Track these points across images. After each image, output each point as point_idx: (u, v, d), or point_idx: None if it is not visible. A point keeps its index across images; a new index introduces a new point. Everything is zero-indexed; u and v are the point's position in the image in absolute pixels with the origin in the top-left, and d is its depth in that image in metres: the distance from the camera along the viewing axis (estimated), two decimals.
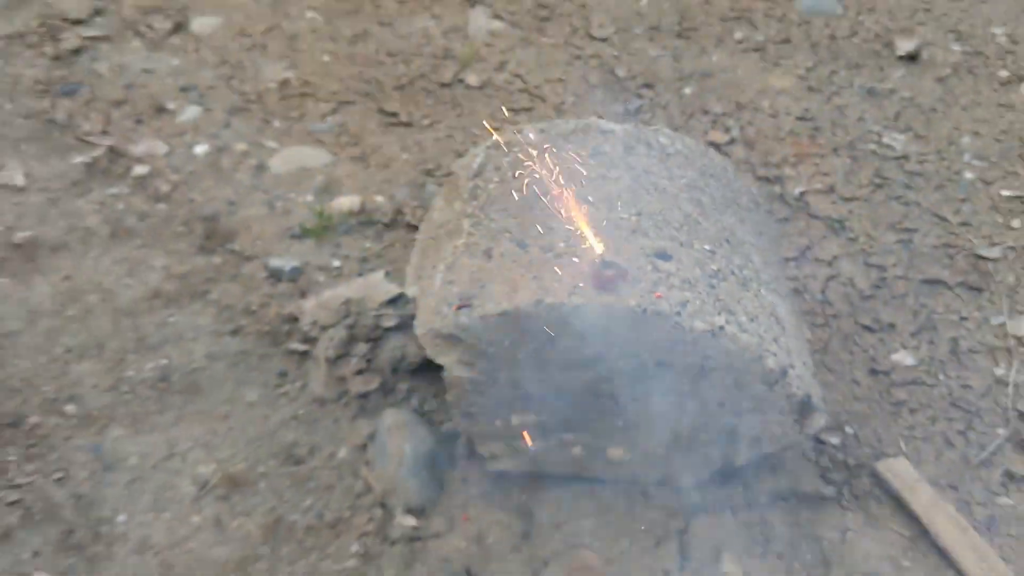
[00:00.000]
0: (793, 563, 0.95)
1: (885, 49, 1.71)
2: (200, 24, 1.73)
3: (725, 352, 0.86)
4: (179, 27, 1.72)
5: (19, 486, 0.99)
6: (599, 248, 0.86)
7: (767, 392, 0.89)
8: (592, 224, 0.88)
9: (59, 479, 1.00)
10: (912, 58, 1.68)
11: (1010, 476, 1.03)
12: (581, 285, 0.84)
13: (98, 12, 1.76)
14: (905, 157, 1.46)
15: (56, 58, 1.63)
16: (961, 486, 1.02)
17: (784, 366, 0.88)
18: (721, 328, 0.85)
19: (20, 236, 1.27)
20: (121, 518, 0.97)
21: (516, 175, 0.97)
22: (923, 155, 1.47)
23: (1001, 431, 1.07)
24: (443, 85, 1.60)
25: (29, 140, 1.45)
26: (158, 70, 1.60)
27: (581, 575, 0.93)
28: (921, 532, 0.97)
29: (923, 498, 0.99)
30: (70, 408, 1.07)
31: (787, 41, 1.72)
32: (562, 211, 0.90)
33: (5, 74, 1.59)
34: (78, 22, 1.74)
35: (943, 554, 0.96)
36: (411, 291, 0.98)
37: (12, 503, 0.97)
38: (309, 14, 1.76)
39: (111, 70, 1.60)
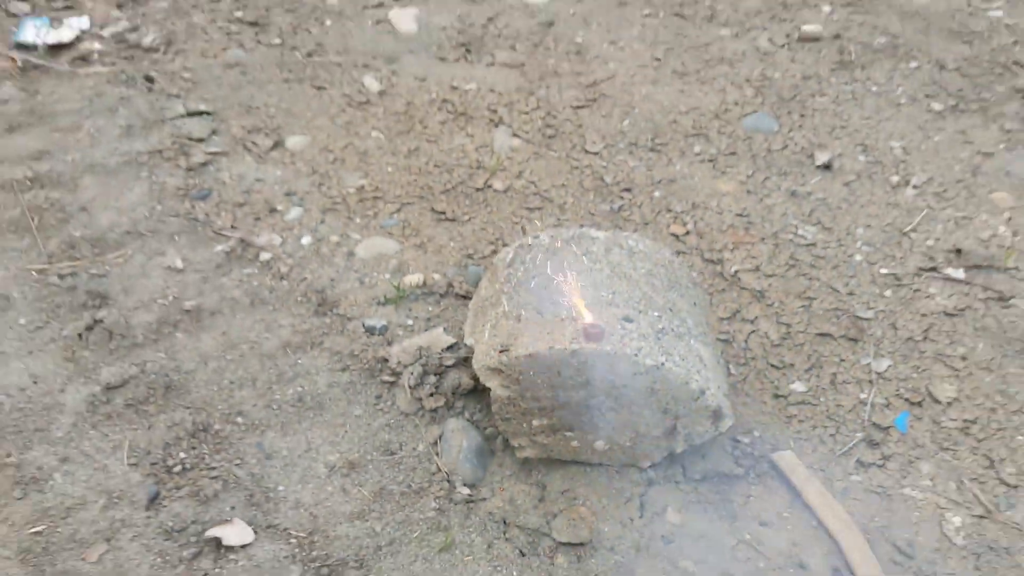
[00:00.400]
0: (714, 515, 1.47)
1: (807, 159, 2.27)
2: (293, 142, 2.30)
3: (665, 379, 1.39)
4: (277, 144, 2.29)
5: (214, 468, 1.52)
6: (587, 316, 1.41)
7: (693, 404, 1.43)
8: (583, 300, 1.43)
9: (238, 464, 1.53)
10: (827, 167, 2.24)
11: (861, 463, 1.56)
12: (576, 338, 1.39)
13: (214, 132, 2.34)
14: (813, 244, 2.01)
15: (189, 169, 2.20)
16: (827, 469, 1.55)
17: (703, 388, 1.42)
18: (663, 364, 1.39)
19: (187, 304, 1.82)
20: (281, 488, 1.50)
21: (535, 267, 1.52)
22: (826, 243, 2.02)
23: (859, 435, 1.60)
24: (477, 189, 2.16)
25: (180, 233, 2.00)
26: (267, 179, 2.17)
27: (577, 522, 1.45)
28: (798, 497, 1.50)
29: (801, 476, 1.52)
30: (239, 419, 1.61)
31: (733, 153, 2.29)
32: (564, 291, 1.45)
33: (154, 182, 2.15)
34: (200, 140, 2.31)
35: (811, 510, 1.48)
36: (468, 341, 1.53)
37: (213, 478, 1.51)
38: (374, 134, 2.33)
39: (231, 179, 2.17)
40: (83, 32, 2.70)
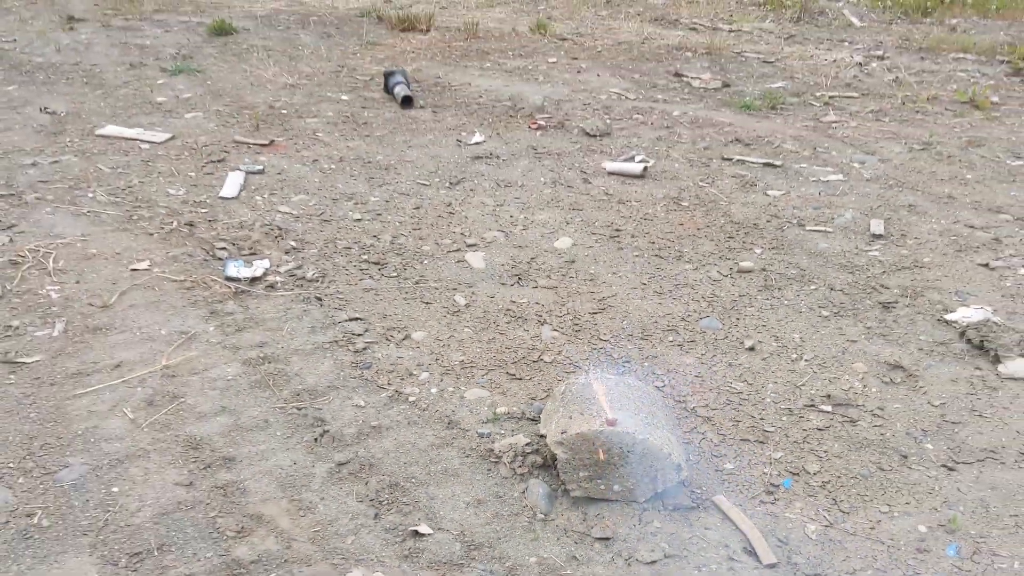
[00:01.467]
0: (681, 526, 2.67)
1: (739, 345, 3.61)
2: (416, 335, 3.65)
3: (648, 446, 2.65)
4: (407, 337, 3.64)
5: (407, 504, 2.75)
6: (608, 412, 2.69)
7: (664, 461, 2.67)
8: (606, 406, 2.72)
9: (407, 505, 2.76)
10: (752, 349, 3.58)
11: (762, 502, 2.77)
12: (603, 425, 2.66)
13: (366, 330, 3.70)
14: (741, 393, 3.31)
15: (356, 351, 3.52)
16: (743, 504, 2.76)
17: (669, 452, 2.67)
18: (646, 438, 2.65)
19: (372, 424, 3.09)
20: (441, 512, 2.72)
21: (578, 391, 2.82)
22: (749, 392, 3.31)
23: (760, 488, 2.83)
24: (533, 361, 3.48)
25: (358, 388, 3.30)
26: (404, 357, 3.50)
27: (605, 528, 2.65)
28: (726, 518, 2.70)
29: (727, 505, 2.73)
30: (412, 480, 2.84)
31: (693, 341, 3.63)
32: (595, 401, 2.74)
33: (335, 360, 3.47)
34: (359, 335, 3.66)
35: (734, 524, 2.68)
36: (543, 431, 2.80)
37: (404, 506, 2.73)
38: (466, 330, 3.69)
39: (382, 357, 3.50)
40: (267, 270, 4.13)
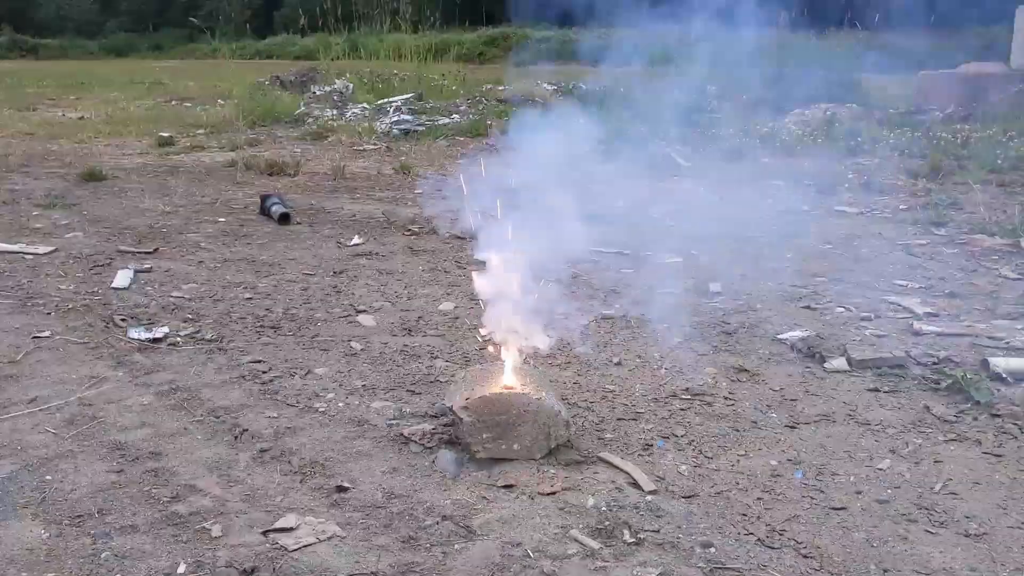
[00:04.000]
0: (574, 472, 3.05)
1: (609, 362, 4.10)
2: (319, 370, 3.96)
3: (543, 404, 3.06)
4: (310, 372, 3.95)
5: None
6: (509, 381, 3.10)
7: (557, 418, 3.07)
8: (505, 378, 3.13)
9: None
10: (619, 364, 4.07)
11: (644, 450, 3.19)
12: (502, 388, 3.06)
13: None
14: (612, 391, 3.77)
15: (263, 383, 3.80)
16: (627, 460, 3.17)
17: (559, 410, 3.08)
18: (541, 397, 3.06)
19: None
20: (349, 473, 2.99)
21: (475, 374, 3.21)
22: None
23: (639, 448, 3.25)
24: (431, 382, 3.85)
25: (268, 405, 3.56)
26: (309, 384, 3.79)
27: (506, 477, 2.99)
28: (611, 466, 3.10)
29: (611, 457, 3.13)
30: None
31: (570, 363, 4.10)
32: (494, 375, 3.14)
33: (246, 391, 3.73)
34: (264, 371, 3.94)
35: (619, 469, 3.08)
36: (449, 403, 3.16)
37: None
38: (364, 365, 4.03)
39: (291, 386, 3.79)
40: (167, 334, 4.37)
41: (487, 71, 22.20)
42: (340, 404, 3.57)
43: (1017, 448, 3.21)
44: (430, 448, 3.17)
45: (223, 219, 7.18)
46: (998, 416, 3.45)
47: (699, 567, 2.51)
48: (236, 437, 3.23)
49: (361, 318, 4.67)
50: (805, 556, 2.58)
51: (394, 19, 19.25)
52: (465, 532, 2.65)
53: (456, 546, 2.57)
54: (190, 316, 4.63)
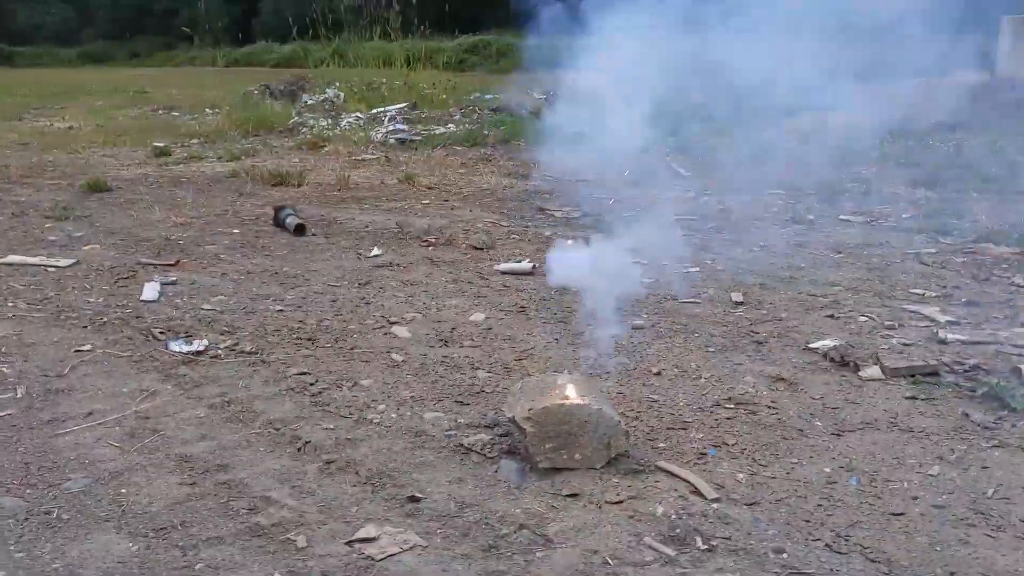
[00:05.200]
0: (636, 481, 3.12)
1: (648, 372, 4.18)
2: (364, 382, 4.01)
3: (603, 415, 3.13)
4: (356, 383, 4.00)
5: None
6: (568, 392, 3.17)
7: (616, 428, 3.15)
8: (564, 390, 3.20)
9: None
10: (658, 374, 4.15)
11: (699, 458, 3.27)
12: (563, 399, 3.13)
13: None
14: (657, 402, 3.85)
15: (312, 395, 3.85)
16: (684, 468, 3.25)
17: (618, 420, 3.15)
18: (601, 408, 3.13)
19: None
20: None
21: (532, 384, 3.29)
22: None
23: (693, 457, 3.33)
24: (476, 393, 3.91)
25: (322, 417, 3.61)
26: (358, 396, 3.84)
27: (570, 486, 3.06)
28: (671, 474, 3.18)
29: (669, 466, 3.21)
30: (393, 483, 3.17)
31: (608, 373, 4.18)
32: (554, 386, 3.22)
33: (297, 403, 3.77)
34: (311, 383, 3.99)
35: (679, 477, 3.16)
36: (510, 413, 3.22)
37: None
38: (408, 376, 4.08)
39: (340, 397, 3.83)
40: (207, 346, 4.40)
41: (470, 79, 22.28)
42: (393, 415, 3.62)
43: None
44: (491, 458, 3.24)
45: (236, 230, 7.20)
46: None
47: (775, 572, 2.59)
48: (299, 449, 3.28)
49: (396, 329, 4.72)
50: (872, 560, 2.67)
51: (384, 27, 19.26)
52: (543, 540, 2.72)
53: (538, 554, 2.64)
54: (226, 329, 4.66)
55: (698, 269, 6.12)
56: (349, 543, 2.67)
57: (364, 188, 9.42)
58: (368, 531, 2.72)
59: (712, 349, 4.48)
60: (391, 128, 13.99)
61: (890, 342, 4.52)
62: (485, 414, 3.63)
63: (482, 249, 6.59)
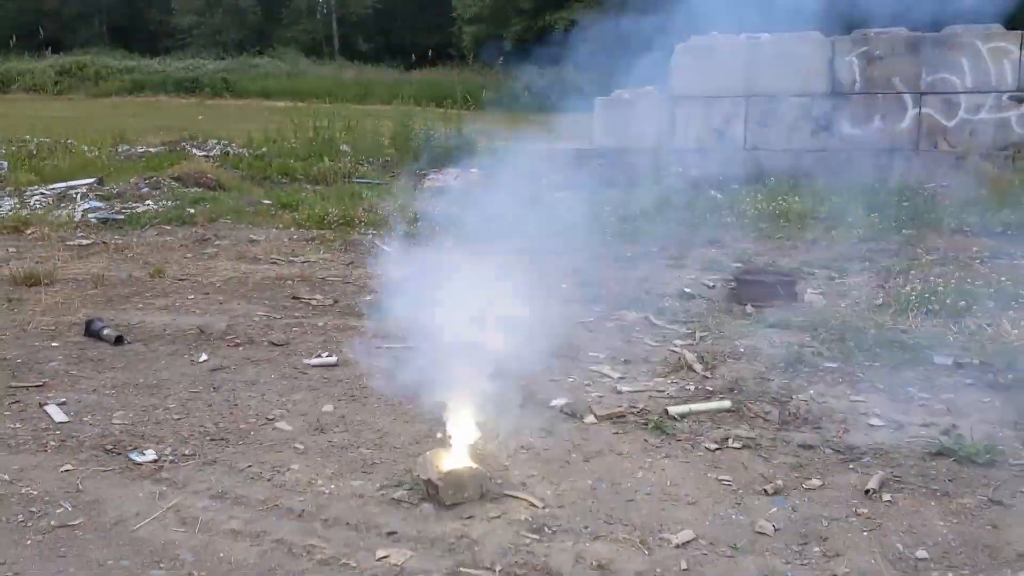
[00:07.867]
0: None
1: None
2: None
3: None
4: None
5: None
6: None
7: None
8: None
9: None
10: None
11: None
12: None
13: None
14: None
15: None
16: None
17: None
18: (477, 467, 5.58)
19: None
20: None
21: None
22: None
23: None
24: None
25: None
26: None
27: (464, 510, 5.47)
28: (514, 496, 5.71)
29: (515, 492, 5.75)
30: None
31: None
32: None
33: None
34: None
35: (519, 498, 5.70)
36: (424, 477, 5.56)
37: None
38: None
39: None
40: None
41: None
42: (333, 486, 5.77)
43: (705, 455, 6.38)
44: (415, 504, 5.56)
45: (56, 343, 8.44)
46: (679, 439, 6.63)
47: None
48: (323, 520, 5.35)
49: (279, 425, 6.73)
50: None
51: None
52: (468, 541, 5.14)
53: (474, 548, 5.06)
54: (153, 438, 6.37)
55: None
56: (380, 560, 4.88)
57: (119, 284, 10.70)
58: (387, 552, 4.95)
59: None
60: (87, 207, 14.82)
61: (592, 396, 7.45)
62: (389, 478, 5.91)
63: (281, 344, 8.59)
